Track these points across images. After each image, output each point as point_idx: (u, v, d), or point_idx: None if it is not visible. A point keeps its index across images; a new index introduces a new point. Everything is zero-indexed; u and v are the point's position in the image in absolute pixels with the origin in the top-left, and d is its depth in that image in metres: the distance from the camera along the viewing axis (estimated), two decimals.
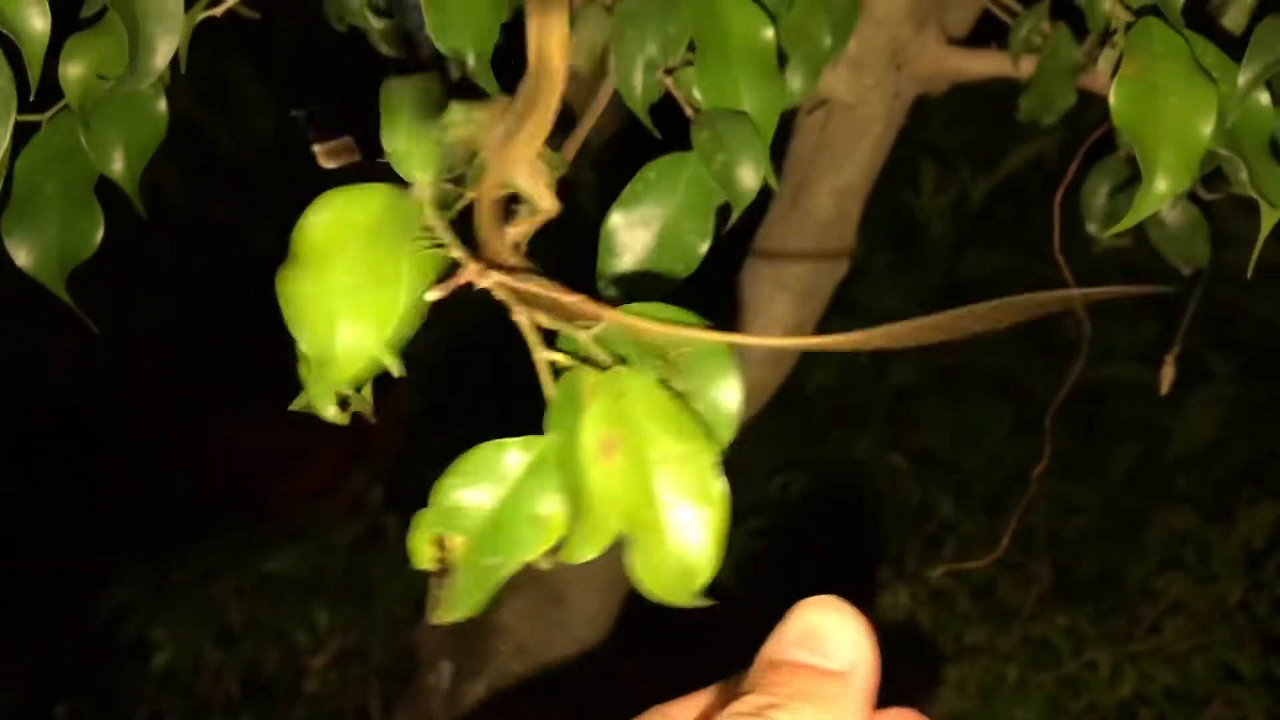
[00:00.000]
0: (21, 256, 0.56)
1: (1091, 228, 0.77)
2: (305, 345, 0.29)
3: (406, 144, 0.33)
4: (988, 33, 0.87)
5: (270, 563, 1.79)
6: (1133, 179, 0.74)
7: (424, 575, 0.34)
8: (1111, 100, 0.43)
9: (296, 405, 0.36)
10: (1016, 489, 2.05)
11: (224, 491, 2.19)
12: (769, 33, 0.53)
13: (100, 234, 0.57)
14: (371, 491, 1.90)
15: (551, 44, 0.40)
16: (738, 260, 0.94)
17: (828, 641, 0.31)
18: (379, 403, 0.41)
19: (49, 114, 0.55)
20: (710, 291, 0.50)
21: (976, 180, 1.98)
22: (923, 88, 0.88)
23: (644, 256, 0.47)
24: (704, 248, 0.48)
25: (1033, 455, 2.21)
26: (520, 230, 0.43)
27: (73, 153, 0.55)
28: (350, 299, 0.29)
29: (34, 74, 0.39)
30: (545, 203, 0.52)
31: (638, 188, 0.48)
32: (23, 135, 0.54)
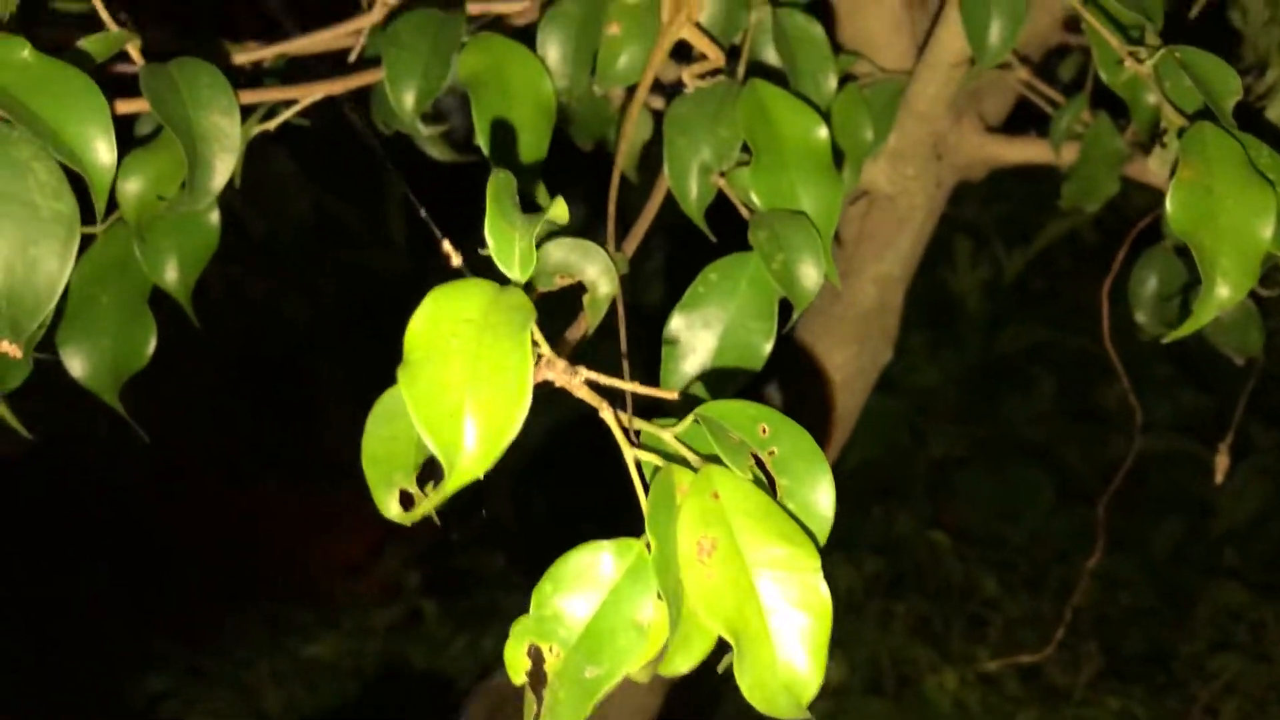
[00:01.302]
0: (76, 367, 0.57)
1: (1140, 318, 0.77)
2: (434, 446, 0.28)
3: (508, 238, 0.33)
4: (1024, 116, 0.89)
5: (307, 648, 1.78)
6: (1191, 282, 0.74)
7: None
8: (1169, 207, 0.44)
9: (400, 517, 0.36)
10: (1060, 566, 2.02)
11: (259, 567, 2.19)
12: (822, 132, 0.54)
13: (153, 344, 0.58)
14: (408, 575, 1.89)
15: None
16: (778, 348, 0.94)
17: None
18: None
19: (104, 226, 0.56)
20: (751, 382, 0.50)
21: (1010, 255, 1.98)
22: (962, 174, 0.89)
23: (708, 358, 0.48)
24: (768, 347, 0.48)
25: (1076, 530, 2.18)
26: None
27: (127, 264, 0.57)
28: (473, 394, 0.28)
29: (100, 204, 0.40)
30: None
31: (699, 290, 0.49)
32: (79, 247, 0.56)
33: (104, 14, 0.48)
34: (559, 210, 0.33)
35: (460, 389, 0.28)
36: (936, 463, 2.27)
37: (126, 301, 0.58)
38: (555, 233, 0.46)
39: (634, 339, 0.51)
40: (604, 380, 0.32)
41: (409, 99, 0.53)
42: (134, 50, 0.49)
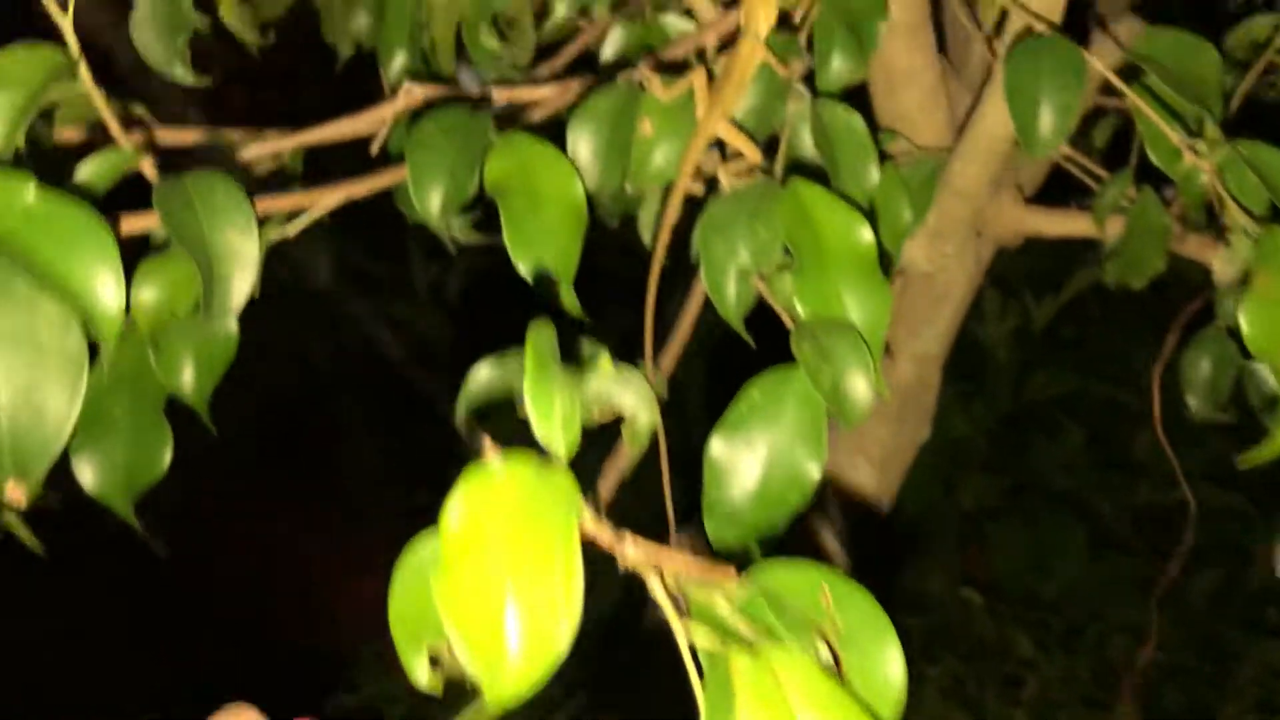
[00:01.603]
0: (88, 478, 0.54)
1: (1192, 402, 0.74)
2: (469, 658, 0.25)
3: (548, 404, 0.30)
4: (1058, 181, 0.86)
5: (330, 712, 1.75)
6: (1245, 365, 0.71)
7: None
8: (1243, 324, 0.41)
9: (430, 686, 0.33)
10: (1095, 623, 1.97)
11: (279, 614, 2.16)
12: (867, 235, 0.51)
13: (169, 455, 0.55)
14: None
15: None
16: None
17: None
18: None
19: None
20: None
21: (1039, 305, 1.95)
22: (1000, 244, 0.86)
23: (753, 485, 0.45)
24: (818, 472, 0.46)
25: (1109, 583, 2.13)
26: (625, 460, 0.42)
27: (142, 370, 0.55)
28: (516, 599, 0.26)
29: (108, 352, 0.37)
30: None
31: (741, 409, 0.46)
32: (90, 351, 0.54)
33: (115, 130, 0.46)
34: (604, 365, 0.31)
35: (499, 594, 0.25)
36: (967, 514, 2.23)
37: (142, 409, 0.56)
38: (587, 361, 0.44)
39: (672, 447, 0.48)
40: (662, 558, 0.30)
41: (434, 203, 0.51)
42: (147, 167, 0.47)
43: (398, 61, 0.75)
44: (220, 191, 0.46)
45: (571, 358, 0.45)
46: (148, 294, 0.52)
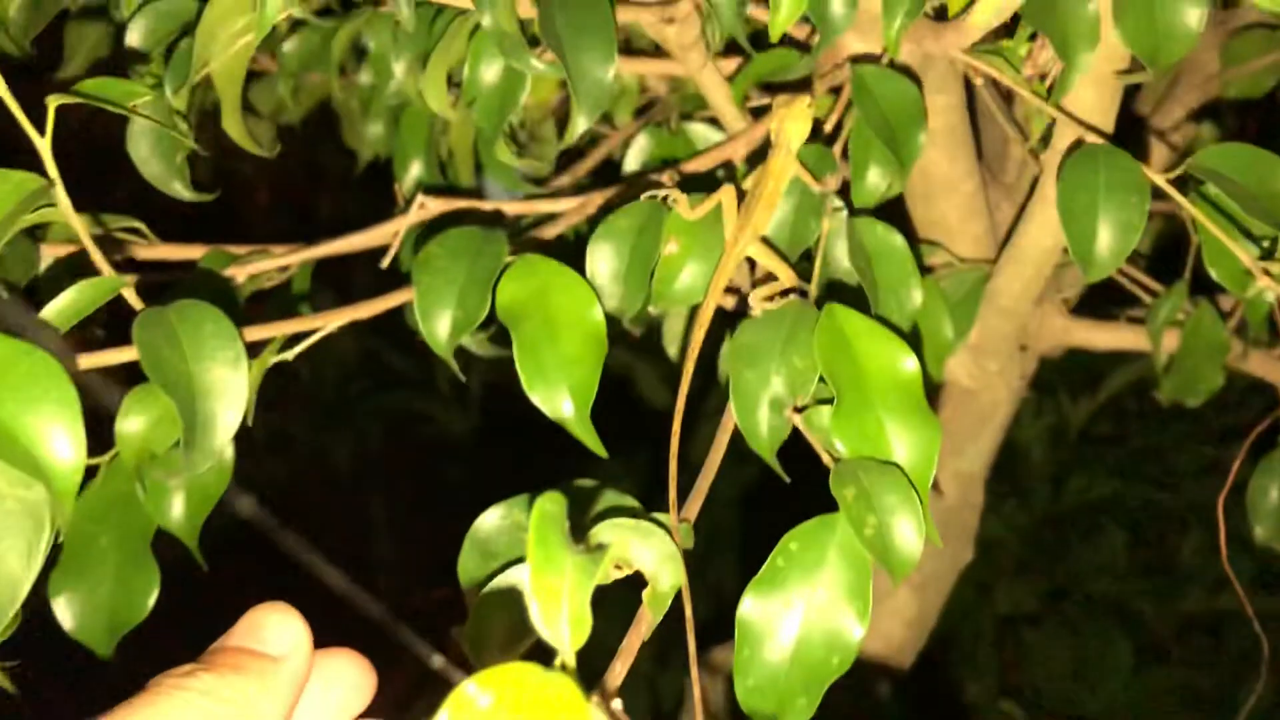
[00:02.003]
0: (68, 618, 0.51)
1: (1260, 533, 0.68)
2: None
3: (555, 593, 0.26)
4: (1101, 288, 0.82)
5: None
6: None
7: None
8: None
9: None
10: None
11: None
12: (912, 365, 0.47)
13: (155, 595, 0.51)
14: None
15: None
16: None
17: (268, 632, 0.35)
18: None
19: (108, 456, 0.51)
20: None
21: (1076, 404, 1.89)
22: (1043, 355, 0.82)
23: (790, 647, 0.40)
24: (861, 632, 0.41)
25: (1156, 696, 2.03)
26: None
27: (130, 501, 0.51)
28: None
29: (64, 513, 0.34)
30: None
31: (778, 563, 0.42)
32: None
33: (97, 257, 0.43)
34: (619, 553, 0.26)
35: None
36: (1004, 619, 2.15)
37: (128, 544, 0.52)
38: (604, 511, 0.39)
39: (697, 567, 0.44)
40: None
41: (442, 331, 0.47)
42: (129, 294, 0.44)
43: (413, 171, 0.73)
44: (208, 323, 0.42)
45: (585, 508, 0.40)
46: (132, 425, 0.48)
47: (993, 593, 2.15)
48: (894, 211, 0.65)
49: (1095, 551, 2.14)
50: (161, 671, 0.32)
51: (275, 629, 0.36)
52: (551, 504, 0.27)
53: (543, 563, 0.25)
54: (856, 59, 0.58)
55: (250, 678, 0.34)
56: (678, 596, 0.38)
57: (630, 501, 0.42)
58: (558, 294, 0.47)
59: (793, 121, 0.52)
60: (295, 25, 0.72)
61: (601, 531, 0.36)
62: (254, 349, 0.53)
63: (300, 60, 0.69)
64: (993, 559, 2.12)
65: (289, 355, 0.51)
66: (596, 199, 0.58)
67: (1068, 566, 2.15)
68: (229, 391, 0.42)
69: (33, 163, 0.41)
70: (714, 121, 0.69)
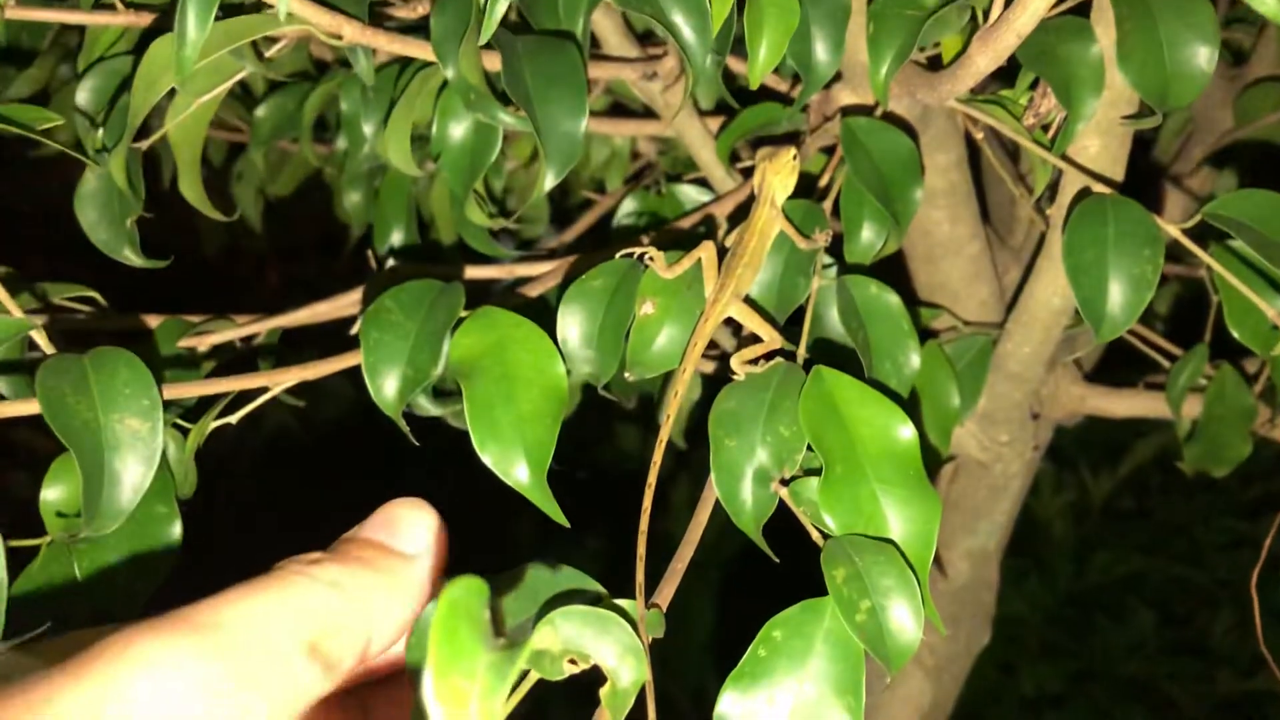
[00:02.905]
0: None
1: None
2: None
3: (461, 698, 0.22)
4: (1117, 350, 0.78)
5: None
6: None
7: None
8: None
9: None
10: None
11: None
12: (906, 432, 0.43)
13: None
14: None
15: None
16: None
17: (401, 529, 0.34)
18: None
19: (48, 538, 0.47)
20: None
21: (1097, 478, 1.84)
22: (1060, 424, 0.78)
23: None
24: None
25: None
26: None
27: (74, 584, 0.47)
28: None
29: None
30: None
31: (759, 654, 0.37)
32: (21, 560, 0.47)
33: (4, 298, 0.40)
34: (573, 646, 0.22)
35: None
36: (1028, 701, 2.07)
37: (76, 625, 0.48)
38: (561, 595, 0.35)
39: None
40: None
41: (390, 389, 0.44)
42: (39, 337, 0.40)
43: (393, 238, 0.70)
44: (124, 371, 0.39)
45: (531, 592, 0.36)
46: (54, 494, 0.44)
47: (1016, 674, 2.08)
48: (895, 274, 0.61)
49: (1122, 631, 2.06)
50: None
51: (410, 525, 0.34)
52: (464, 592, 0.23)
53: (447, 661, 0.21)
54: (847, 111, 0.55)
55: (378, 575, 0.32)
56: (641, 694, 0.34)
57: (592, 584, 0.38)
58: (516, 348, 0.44)
59: (776, 174, 0.48)
60: (270, 91, 0.70)
61: (552, 622, 0.32)
62: (199, 411, 0.49)
63: (273, 126, 0.66)
64: (1015, 639, 2.04)
65: (232, 419, 0.47)
66: (573, 260, 0.55)
67: (1094, 646, 2.08)
68: (139, 444, 0.38)
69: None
70: (703, 183, 0.66)
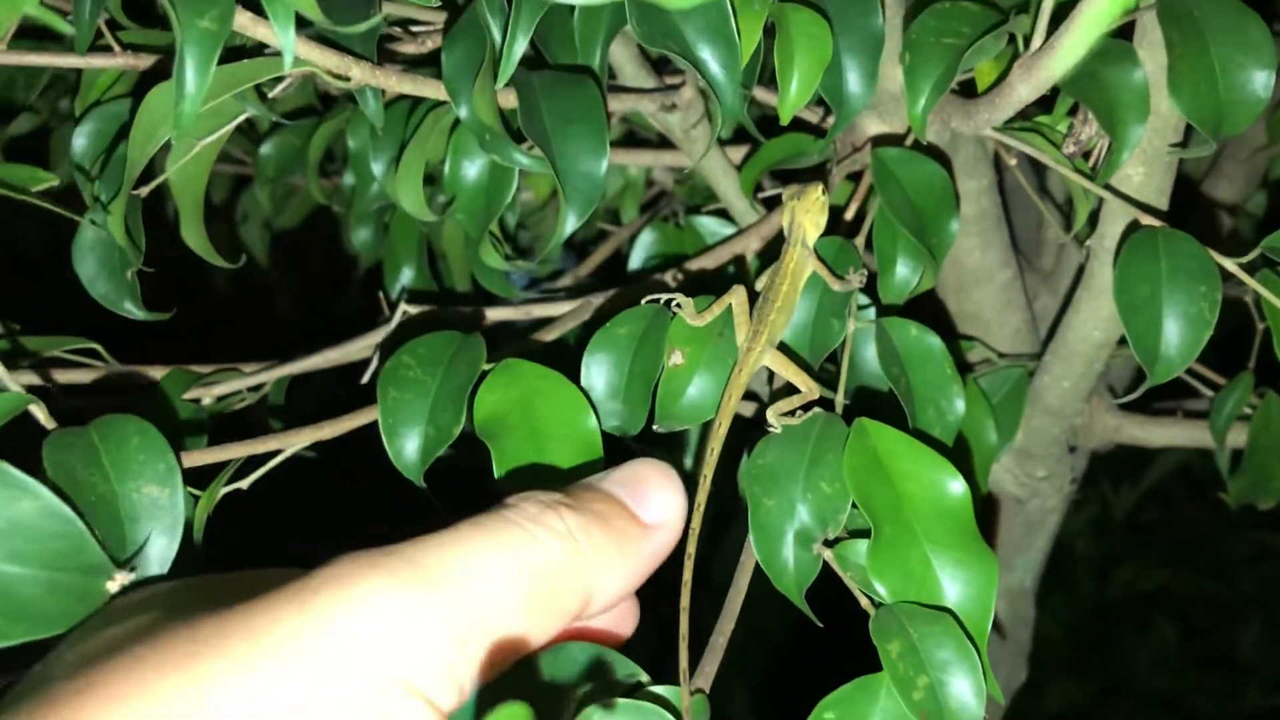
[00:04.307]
0: None
1: None
2: None
3: None
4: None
5: None
6: None
7: None
8: None
9: None
10: None
11: None
12: (958, 487, 0.40)
13: None
14: None
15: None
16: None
17: (647, 493, 0.32)
18: None
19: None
20: None
21: (1119, 492, 1.81)
22: (1093, 452, 0.75)
23: None
24: None
25: None
26: None
27: None
28: None
29: None
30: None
31: None
32: None
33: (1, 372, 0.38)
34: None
35: None
36: (1054, 717, 2.04)
37: None
38: (596, 677, 0.33)
39: None
40: None
41: (410, 453, 0.41)
42: (39, 412, 0.38)
43: (404, 277, 0.67)
44: (133, 437, 0.37)
45: (565, 670, 0.34)
46: None
47: (1042, 690, 2.04)
48: (923, 304, 0.59)
49: (1147, 645, 2.03)
50: None
51: (655, 492, 0.33)
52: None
53: None
54: (877, 141, 0.53)
55: (611, 537, 0.31)
56: None
57: (628, 665, 0.35)
58: (544, 402, 0.41)
59: (805, 213, 0.46)
60: (275, 126, 0.68)
61: (593, 717, 0.29)
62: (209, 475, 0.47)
63: (278, 164, 0.64)
64: (1040, 655, 2.01)
65: (244, 483, 0.45)
66: (595, 302, 0.53)
67: (1119, 661, 2.05)
68: (161, 512, 0.36)
69: None
70: (723, 214, 0.63)
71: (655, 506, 0.32)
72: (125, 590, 0.32)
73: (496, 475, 0.40)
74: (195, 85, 0.31)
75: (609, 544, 0.30)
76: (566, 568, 0.29)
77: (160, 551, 0.38)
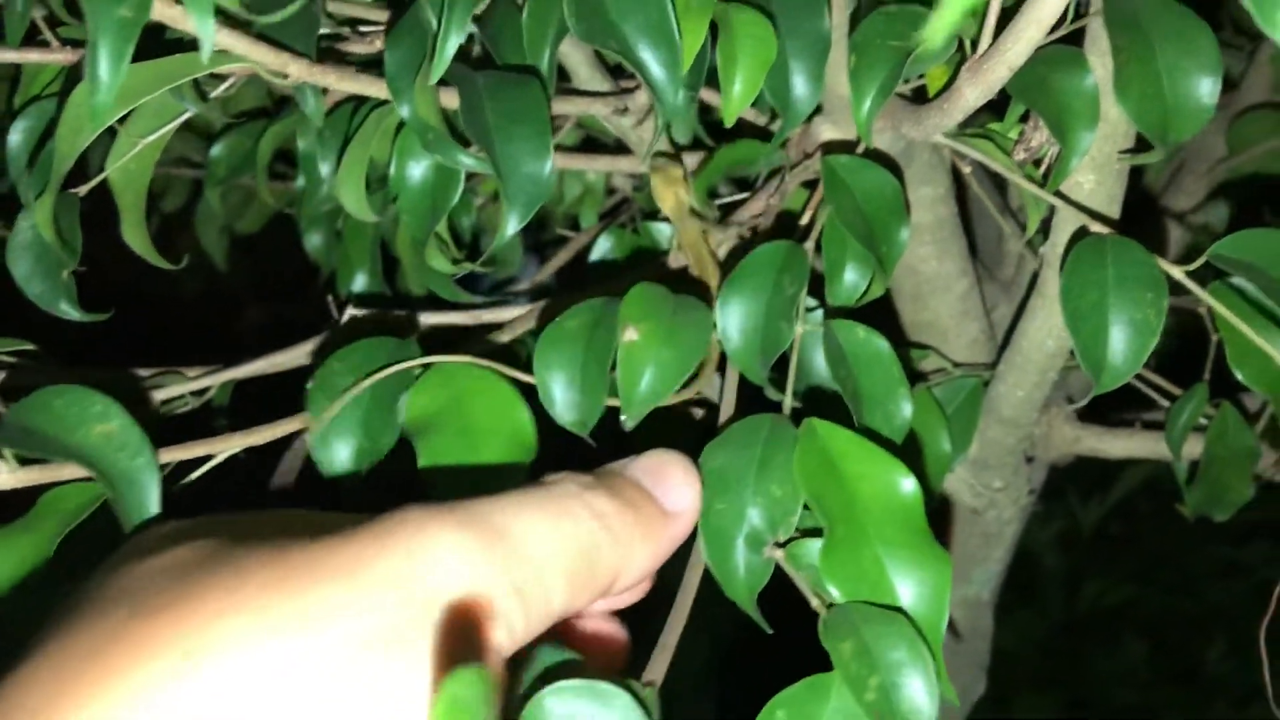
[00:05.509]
0: None
1: None
2: None
3: None
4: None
5: None
6: None
7: None
8: None
9: None
10: None
11: None
12: (909, 485, 0.40)
13: None
14: None
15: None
16: None
17: (670, 483, 0.35)
18: None
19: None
20: None
21: (1086, 506, 1.81)
22: (1051, 464, 0.75)
23: None
24: None
25: None
26: None
27: None
28: None
29: None
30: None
31: None
32: None
33: None
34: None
35: None
36: None
37: None
38: (557, 668, 0.32)
39: None
40: None
41: (342, 463, 0.40)
42: None
43: (358, 281, 0.67)
44: (55, 400, 0.36)
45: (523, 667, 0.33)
46: None
47: (1010, 705, 2.05)
48: (881, 312, 0.59)
49: (1115, 660, 2.04)
50: None
51: (678, 482, 0.35)
52: (465, 687, 0.20)
53: None
54: (829, 148, 0.52)
55: (640, 522, 0.33)
56: None
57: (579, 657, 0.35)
58: (476, 398, 0.41)
59: (660, 187, 0.50)
60: (228, 127, 0.67)
61: (541, 703, 0.29)
62: None
63: (229, 165, 0.63)
64: (1007, 671, 2.01)
65: (174, 487, 0.44)
66: (542, 305, 0.52)
67: (1087, 676, 2.05)
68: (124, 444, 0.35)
69: None
70: None
71: (677, 495, 0.35)
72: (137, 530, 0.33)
73: (421, 466, 0.40)
74: (109, 74, 0.30)
75: (637, 529, 0.33)
76: (599, 547, 0.31)
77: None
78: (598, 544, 0.31)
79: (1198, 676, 2.00)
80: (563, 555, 0.30)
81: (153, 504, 0.36)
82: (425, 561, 0.27)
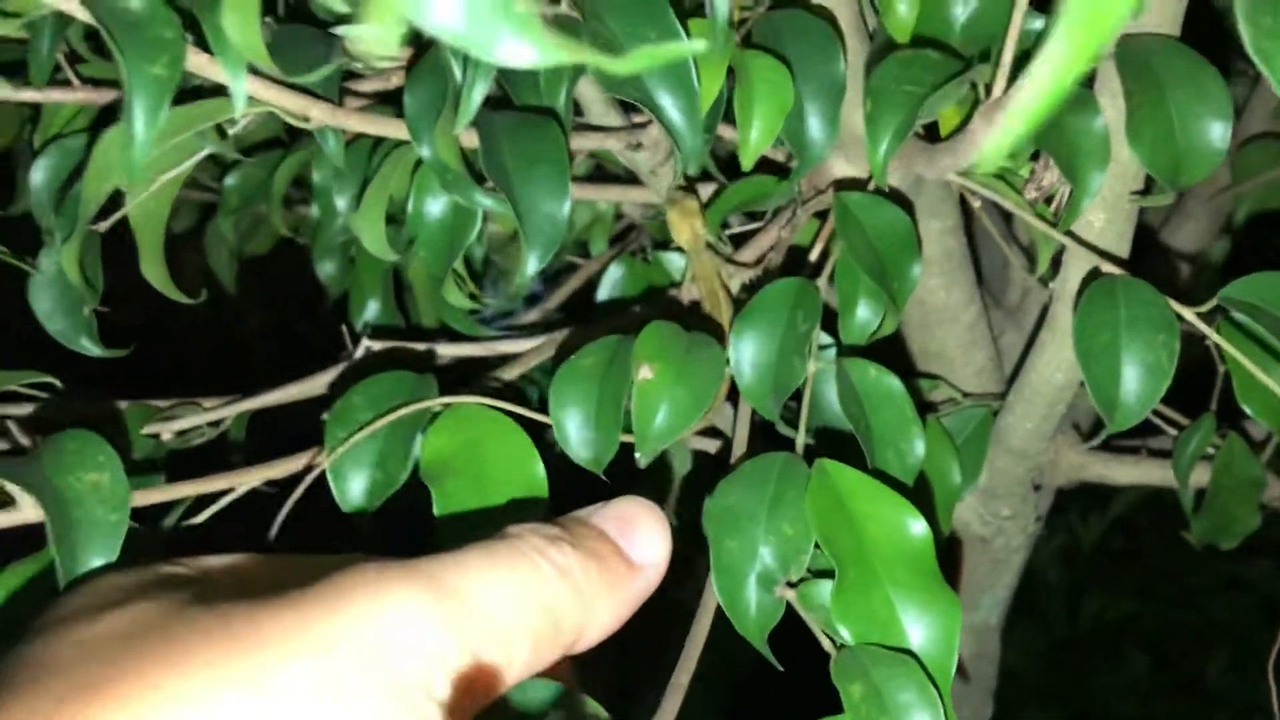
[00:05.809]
0: None
1: None
2: None
3: None
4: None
5: None
6: None
7: None
8: None
9: None
10: None
11: None
12: (920, 529, 0.40)
13: None
14: None
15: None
16: None
17: (638, 534, 0.33)
18: None
19: None
20: None
21: (1087, 521, 1.82)
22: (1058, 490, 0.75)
23: None
24: None
25: None
26: None
27: None
28: None
29: None
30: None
31: None
32: None
33: None
34: None
35: None
36: None
37: None
38: (571, 713, 0.33)
39: None
40: None
41: (356, 495, 0.41)
42: None
43: (369, 310, 0.67)
44: (69, 442, 0.36)
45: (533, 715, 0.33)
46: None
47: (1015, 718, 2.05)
48: (887, 342, 0.59)
49: (1117, 675, 2.04)
50: None
51: (646, 533, 0.34)
52: None
53: None
54: (841, 184, 0.53)
55: (605, 576, 0.32)
56: None
57: (595, 707, 0.35)
58: (492, 444, 0.41)
59: (676, 221, 0.50)
60: (240, 158, 0.67)
61: None
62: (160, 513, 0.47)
63: (243, 195, 0.64)
64: (1011, 685, 2.01)
65: (198, 519, 0.44)
66: (557, 338, 0.53)
67: (1089, 691, 2.05)
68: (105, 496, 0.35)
69: None
70: None
71: (644, 547, 0.33)
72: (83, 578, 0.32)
73: (436, 514, 0.40)
74: (144, 133, 0.31)
75: (603, 584, 0.31)
76: (564, 604, 0.30)
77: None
78: (561, 601, 0.30)
79: (1199, 690, 2.00)
80: (525, 613, 0.29)
81: (110, 558, 0.35)
82: (377, 621, 0.27)
